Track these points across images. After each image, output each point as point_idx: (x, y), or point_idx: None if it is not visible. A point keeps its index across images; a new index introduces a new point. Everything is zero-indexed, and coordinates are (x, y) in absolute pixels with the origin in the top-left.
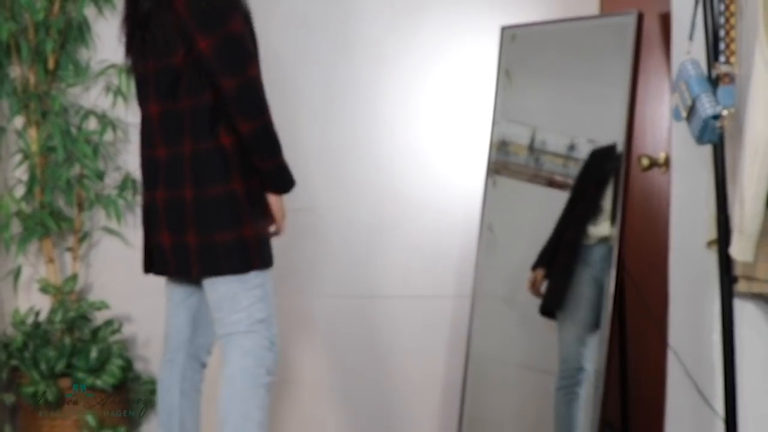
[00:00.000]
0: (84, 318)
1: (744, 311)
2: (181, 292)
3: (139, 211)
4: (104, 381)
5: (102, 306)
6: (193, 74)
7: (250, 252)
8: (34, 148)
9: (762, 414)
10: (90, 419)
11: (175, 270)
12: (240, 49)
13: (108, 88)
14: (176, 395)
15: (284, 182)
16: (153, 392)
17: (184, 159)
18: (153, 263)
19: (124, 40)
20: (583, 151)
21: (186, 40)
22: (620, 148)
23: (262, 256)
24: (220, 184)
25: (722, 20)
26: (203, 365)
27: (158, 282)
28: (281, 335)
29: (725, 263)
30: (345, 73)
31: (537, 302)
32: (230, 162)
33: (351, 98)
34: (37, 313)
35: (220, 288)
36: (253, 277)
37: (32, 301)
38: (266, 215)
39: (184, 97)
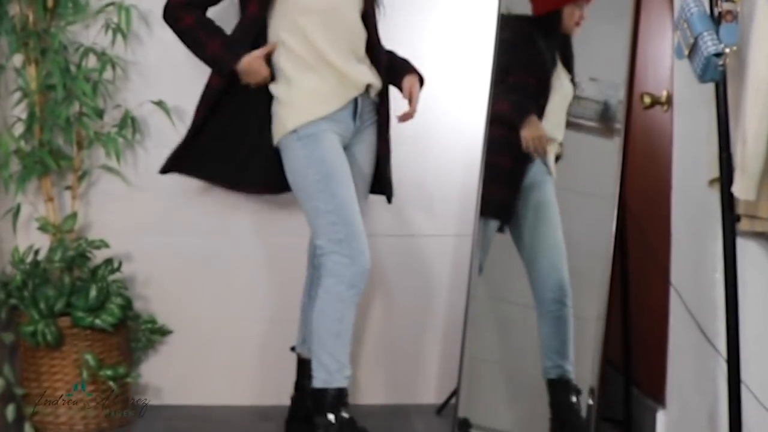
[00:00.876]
0: (83, 257)
1: (746, 250)
2: None
3: (139, 150)
4: (103, 320)
5: (101, 245)
6: None
7: None
8: (33, 86)
9: (765, 353)
10: (89, 358)
11: None
12: None
13: (107, 26)
14: (306, 300)
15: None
16: (153, 331)
17: None
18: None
19: None
20: (586, 89)
21: None
22: (622, 86)
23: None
24: None
25: None
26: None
27: (157, 221)
28: (290, 272)
29: (728, 202)
30: None
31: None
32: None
33: None
34: (36, 252)
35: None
36: (318, 202)
37: (31, 240)
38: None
39: None
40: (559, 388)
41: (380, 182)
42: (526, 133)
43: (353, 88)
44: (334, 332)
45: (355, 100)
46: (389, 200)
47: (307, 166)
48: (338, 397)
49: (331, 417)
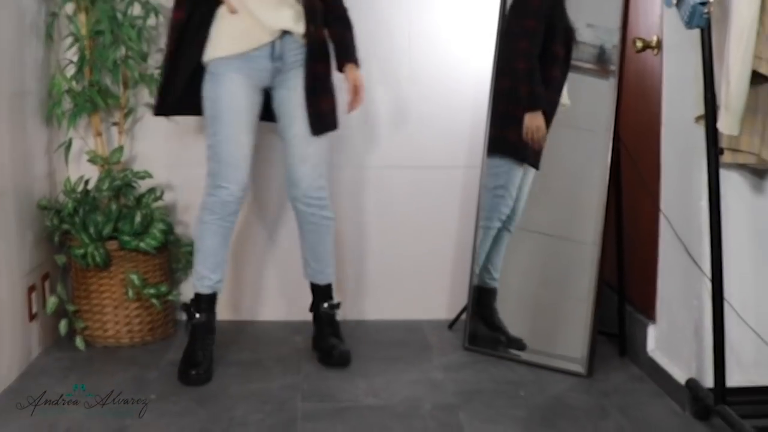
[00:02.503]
0: (129, 186)
1: (729, 180)
2: None
3: None
4: (147, 243)
5: (145, 175)
6: None
7: None
8: (84, 31)
9: (744, 272)
10: (134, 278)
11: None
12: None
13: None
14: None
15: None
16: (191, 254)
17: None
18: None
19: None
20: (584, 35)
21: None
22: (617, 31)
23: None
24: None
25: None
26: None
27: (196, 153)
28: None
29: (712, 136)
30: None
31: (547, 168)
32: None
33: None
34: (87, 182)
35: None
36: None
37: (82, 171)
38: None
39: None
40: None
41: (311, 116)
42: (529, 122)
43: (267, 33)
44: (197, 249)
45: (273, 43)
46: (314, 133)
47: (204, 101)
48: (197, 302)
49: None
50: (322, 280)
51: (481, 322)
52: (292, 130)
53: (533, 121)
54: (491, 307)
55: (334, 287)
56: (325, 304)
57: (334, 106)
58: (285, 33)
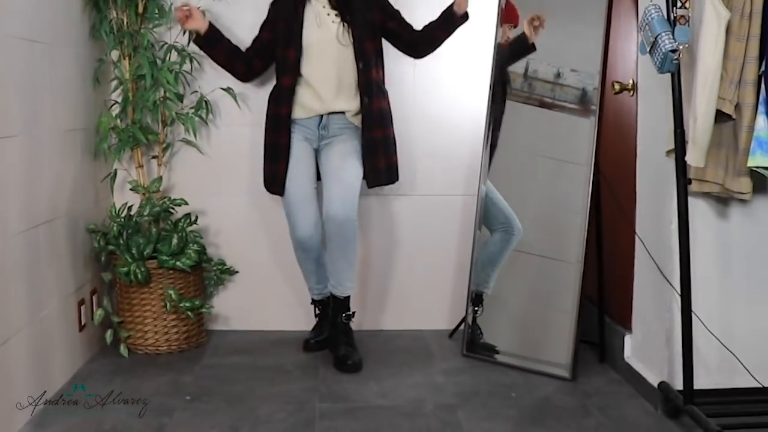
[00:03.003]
0: (167, 212)
1: (696, 207)
2: None
3: (211, 126)
4: (183, 262)
5: (181, 202)
6: None
7: None
8: (127, 75)
9: (710, 288)
10: (172, 293)
11: None
12: None
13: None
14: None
15: None
16: (223, 272)
17: None
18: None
19: None
20: (568, 79)
21: None
22: (597, 75)
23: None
24: None
25: None
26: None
27: (225, 183)
28: None
29: (681, 168)
30: None
31: (529, 200)
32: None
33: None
34: (130, 208)
35: None
36: None
37: (125, 199)
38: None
39: None
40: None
41: (368, 171)
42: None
43: (321, 109)
44: (301, 270)
45: (321, 116)
46: (370, 185)
47: None
48: (316, 304)
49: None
50: (340, 292)
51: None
52: (328, 191)
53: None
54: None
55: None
56: (343, 315)
57: (392, 164)
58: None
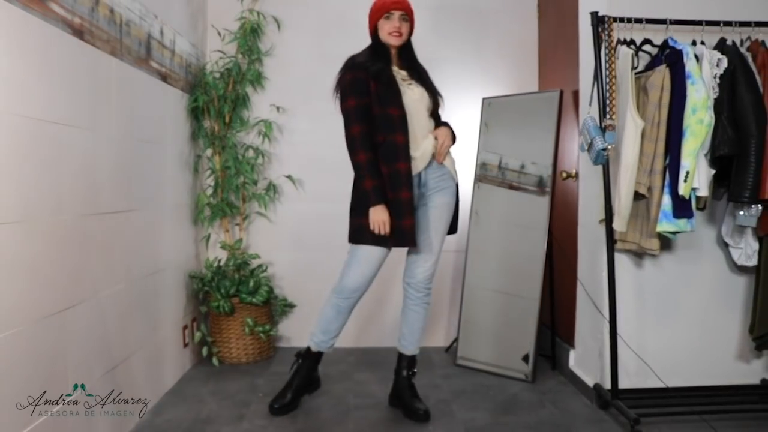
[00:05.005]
0: (245, 263)
1: (620, 259)
2: None
3: (277, 203)
4: (257, 299)
5: (255, 256)
6: None
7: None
8: (218, 166)
9: (629, 317)
10: (249, 321)
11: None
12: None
13: (259, 132)
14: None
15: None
16: (285, 306)
17: None
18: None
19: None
20: (529, 169)
21: None
22: (550, 166)
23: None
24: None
25: (608, 94)
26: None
27: (288, 242)
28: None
29: (609, 232)
30: None
31: (502, 254)
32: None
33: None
34: (219, 261)
35: None
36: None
37: (216, 254)
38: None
39: None
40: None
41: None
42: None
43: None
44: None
45: (419, 172)
46: (453, 232)
47: None
48: None
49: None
50: (410, 351)
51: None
52: (422, 236)
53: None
54: None
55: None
56: (406, 371)
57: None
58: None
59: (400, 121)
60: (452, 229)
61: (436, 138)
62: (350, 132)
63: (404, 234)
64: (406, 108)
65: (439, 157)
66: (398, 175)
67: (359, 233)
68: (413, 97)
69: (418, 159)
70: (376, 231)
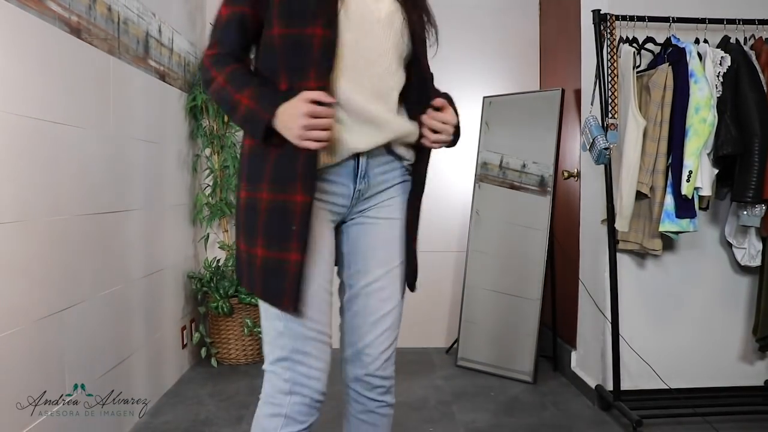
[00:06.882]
0: None
1: (622, 259)
2: None
3: None
4: (256, 300)
5: None
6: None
7: (247, 270)
8: (216, 166)
9: (631, 317)
10: (248, 321)
11: None
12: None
13: None
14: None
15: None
16: None
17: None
18: None
19: None
20: (531, 168)
21: None
22: (552, 165)
23: (258, 283)
24: (236, 190)
25: (610, 93)
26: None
27: None
28: None
29: (611, 232)
30: None
31: (508, 252)
32: (242, 165)
33: None
34: (218, 261)
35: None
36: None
37: (215, 254)
38: (259, 233)
39: None
40: None
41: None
42: None
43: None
44: None
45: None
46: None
47: None
48: None
49: None
50: None
51: None
52: (366, 278)
53: None
54: None
55: None
56: None
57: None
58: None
59: (323, 51)
60: (408, 280)
61: (438, 110)
62: (203, 56)
63: (282, 279)
64: (344, 26)
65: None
66: (295, 157)
67: (257, 279)
68: (373, 10)
69: (357, 132)
70: (305, 143)
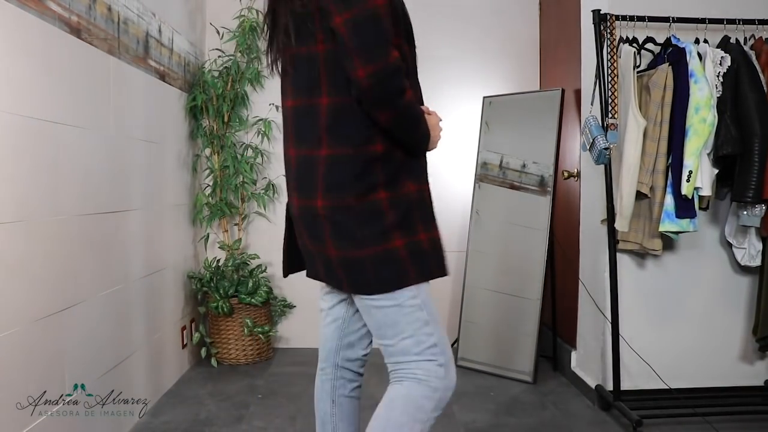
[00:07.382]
0: (244, 263)
1: (622, 259)
2: (330, 298)
3: (276, 202)
4: (256, 299)
5: (255, 256)
6: (335, 65)
7: (401, 264)
8: (216, 166)
9: (631, 317)
10: (248, 321)
11: (325, 279)
12: (377, 30)
13: (258, 132)
14: (328, 404)
15: (425, 145)
16: (285, 306)
17: (317, 163)
18: (294, 264)
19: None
20: (531, 168)
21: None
22: (552, 165)
23: (418, 267)
24: (354, 196)
25: (610, 92)
26: (357, 375)
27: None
28: None
29: (611, 232)
30: None
31: (508, 252)
32: (373, 170)
33: None
34: (218, 261)
35: (374, 312)
36: (409, 298)
37: (215, 254)
38: (416, 222)
39: (323, 93)
40: None
41: None
42: None
43: None
44: None
45: None
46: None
47: None
48: None
49: None
50: None
51: None
52: None
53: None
54: None
55: None
56: None
57: None
58: None
59: (411, 67)
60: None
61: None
62: (392, 58)
63: (441, 251)
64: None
65: None
66: (424, 157)
67: (420, 262)
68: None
69: None
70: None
